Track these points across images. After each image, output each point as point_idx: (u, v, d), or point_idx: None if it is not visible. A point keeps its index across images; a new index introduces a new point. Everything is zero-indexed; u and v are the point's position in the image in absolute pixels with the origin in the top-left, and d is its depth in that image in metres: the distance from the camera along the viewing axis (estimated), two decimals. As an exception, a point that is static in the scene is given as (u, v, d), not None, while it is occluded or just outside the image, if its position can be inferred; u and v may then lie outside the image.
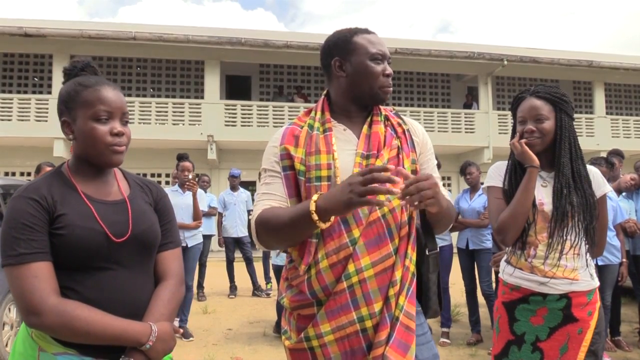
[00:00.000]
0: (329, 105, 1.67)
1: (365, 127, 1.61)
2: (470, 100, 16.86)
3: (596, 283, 2.04)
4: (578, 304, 1.97)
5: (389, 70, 1.60)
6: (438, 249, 1.67)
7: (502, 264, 2.17)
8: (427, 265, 1.61)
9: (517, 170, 2.09)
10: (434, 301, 1.64)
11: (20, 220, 1.31)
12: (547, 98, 2.03)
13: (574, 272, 1.98)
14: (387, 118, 1.65)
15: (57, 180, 1.42)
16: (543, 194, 2.04)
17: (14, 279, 1.29)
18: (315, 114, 1.64)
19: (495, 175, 2.19)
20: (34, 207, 1.32)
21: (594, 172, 2.10)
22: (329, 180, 1.50)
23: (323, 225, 1.36)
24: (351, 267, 1.44)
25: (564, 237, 1.97)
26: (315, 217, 1.33)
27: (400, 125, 1.65)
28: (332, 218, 1.40)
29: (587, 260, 2.02)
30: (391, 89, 1.63)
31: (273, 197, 1.56)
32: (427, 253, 1.61)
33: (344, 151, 1.55)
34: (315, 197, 1.36)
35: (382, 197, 1.40)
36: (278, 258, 5.10)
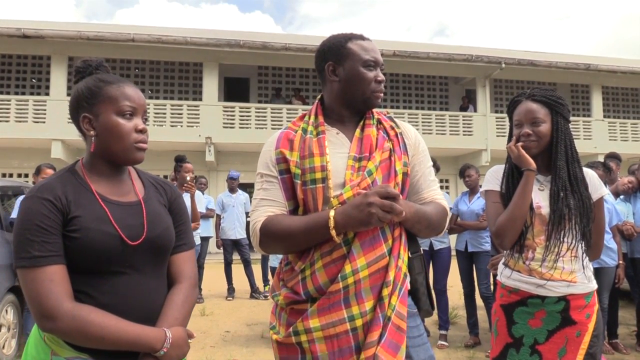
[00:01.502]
0: (323, 110, 1.70)
1: (358, 130, 1.63)
2: (467, 103, 16.90)
3: (594, 286, 2.04)
4: (576, 307, 1.98)
5: (381, 76, 1.63)
6: (421, 250, 1.69)
7: (500, 266, 2.17)
8: (410, 267, 1.63)
9: (514, 174, 2.10)
10: (423, 301, 1.66)
11: (35, 222, 1.27)
12: (543, 101, 2.04)
13: (572, 274, 1.99)
14: (379, 121, 1.68)
15: (72, 179, 1.38)
16: (540, 197, 2.04)
17: (27, 282, 1.26)
18: (309, 118, 1.67)
19: (492, 179, 2.19)
20: (48, 209, 1.29)
21: (590, 174, 2.10)
22: (323, 182, 1.52)
23: (338, 239, 1.44)
24: (348, 268, 1.45)
25: (561, 240, 1.97)
26: (334, 232, 1.42)
27: (393, 128, 1.67)
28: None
29: (584, 262, 2.03)
30: (382, 94, 1.65)
31: (273, 203, 1.58)
32: (410, 255, 1.62)
33: (337, 154, 1.57)
34: (332, 212, 1.43)
35: None
36: (276, 260, 5.10)
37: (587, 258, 2.05)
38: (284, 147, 1.60)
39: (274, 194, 1.58)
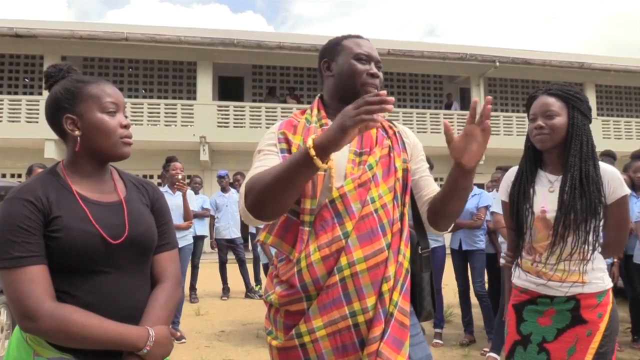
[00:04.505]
0: (324, 107, 1.70)
1: None
2: (451, 99, 16.92)
3: (608, 284, 1.97)
4: (587, 306, 1.93)
5: (374, 70, 1.62)
6: (430, 247, 1.68)
7: (514, 267, 2.14)
8: (419, 264, 1.62)
9: (523, 176, 2.06)
10: (428, 301, 1.66)
11: (16, 223, 1.27)
12: (559, 95, 1.99)
13: (580, 275, 1.94)
14: None
15: (52, 180, 1.39)
16: (547, 200, 1.99)
17: (8, 283, 1.26)
18: (311, 111, 1.68)
19: (505, 186, 2.16)
20: (29, 209, 1.29)
21: (609, 173, 1.99)
22: (325, 170, 1.49)
23: (320, 164, 1.29)
24: (343, 260, 1.44)
25: (565, 243, 1.92)
26: (312, 152, 1.27)
27: (391, 127, 1.69)
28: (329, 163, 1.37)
29: (594, 263, 1.96)
30: (375, 89, 1.61)
31: (265, 168, 1.47)
32: (419, 252, 1.61)
33: None
34: (313, 135, 1.33)
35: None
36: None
37: (599, 257, 1.99)
38: (288, 129, 1.60)
39: (269, 161, 1.52)
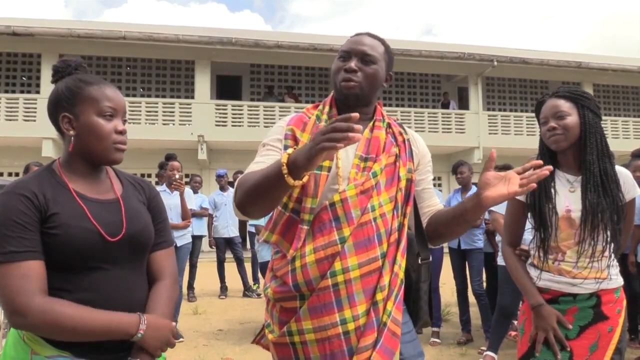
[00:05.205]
0: (336, 104, 1.68)
1: (367, 131, 1.62)
2: (447, 98, 16.93)
3: (621, 280, 2.02)
4: (608, 302, 1.96)
5: (349, 65, 1.57)
6: (430, 258, 1.67)
7: (528, 267, 2.13)
8: (418, 274, 1.62)
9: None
10: (425, 311, 1.66)
11: (11, 217, 1.27)
12: (567, 96, 2.01)
13: (603, 271, 1.96)
14: (389, 125, 1.67)
15: (48, 178, 1.39)
16: (570, 200, 2.00)
17: (0, 277, 1.25)
18: (323, 107, 1.66)
19: None
20: (26, 205, 1.29)
21: (624, 174, 2.04)
22: (329, 170, 1.50)
23: (292, 181, 1.28)
24: (337, 265, 1.44)
25: (595, 241, 1.94)
26: (285, 169, 1.27)
27: (401, 134, 1.67)
28: (305, 178, 1.35)
29: (612, 259, 2.00)
30: (350, 83, 1.56)
31: (263, 165, 1.48)
32: (419, 262, 1.61)
33: (344, 150, 1.54)
34: (290, 150, 1.32)
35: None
36: (268, 255, 5.06)
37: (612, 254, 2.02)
38: (297, 126, 1.60)
39: (269, 159, 1.53)
